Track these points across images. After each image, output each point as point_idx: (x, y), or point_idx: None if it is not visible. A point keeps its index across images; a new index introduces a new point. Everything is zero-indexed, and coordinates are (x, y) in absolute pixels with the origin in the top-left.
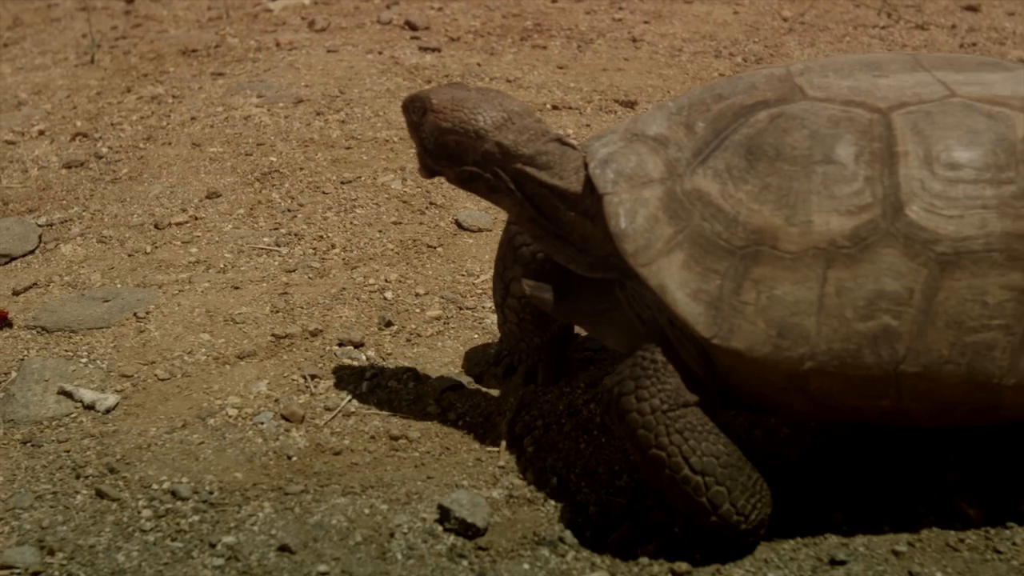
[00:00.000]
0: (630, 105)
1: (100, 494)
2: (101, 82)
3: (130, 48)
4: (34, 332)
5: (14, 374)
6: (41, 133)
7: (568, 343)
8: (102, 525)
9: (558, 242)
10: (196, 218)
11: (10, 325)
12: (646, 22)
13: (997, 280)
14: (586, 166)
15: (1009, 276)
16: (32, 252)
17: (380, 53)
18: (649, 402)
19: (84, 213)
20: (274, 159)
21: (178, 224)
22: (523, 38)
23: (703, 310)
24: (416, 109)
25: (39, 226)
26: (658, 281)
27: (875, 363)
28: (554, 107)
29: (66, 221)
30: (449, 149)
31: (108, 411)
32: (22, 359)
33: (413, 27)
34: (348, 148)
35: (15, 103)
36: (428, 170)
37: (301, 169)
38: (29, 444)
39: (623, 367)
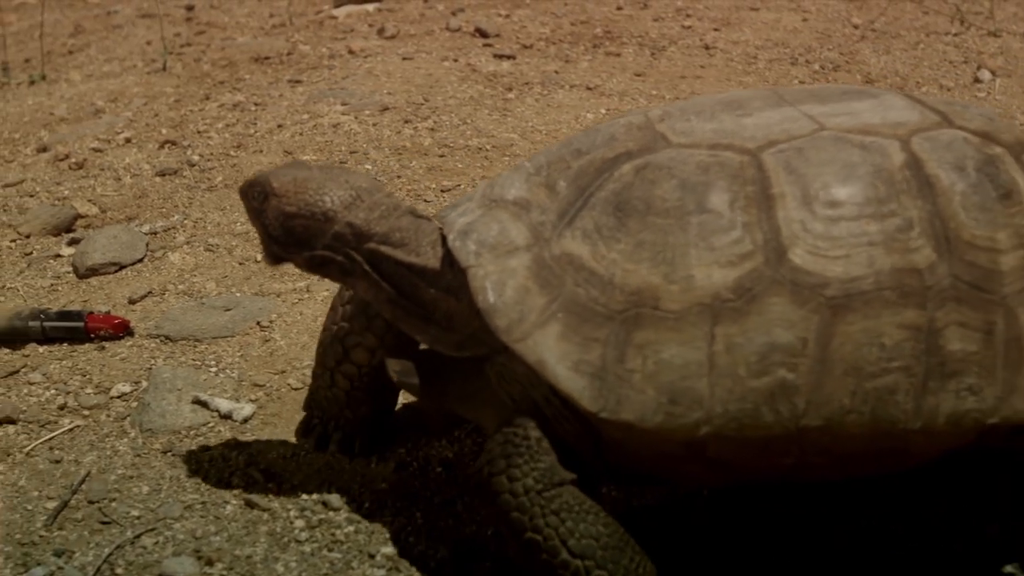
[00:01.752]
0: None
1: (250, 504)
2: (177, 89)
3: (200, 55)
4: (158, 341)
5: (145, 383)
6: (128, 141)
7: (391, 413)
8: (256, 535)
9: (420, 322)
10: None
11: (132, 334)
12: (716, 29)
13: (892, 320)
14: (444, 239)
15: (903, 314)
16: (141, 260)
17: (456, 60)
18: (522, 482)
19: (186, 221)
20: (370, 167)
21: None
22: (595, 45)
23: (587, 383)
24: (256, 195)
25: (144, 234)
26: (536, 356)
27: (775, 420)
28: None
29: (169, 229)
30: (297, 234)
31: (245, 420)
32: (150, 368)
33: (484, 34)
34: (442, 156)
35: (93, 111)
36: (274, 258)
37: (399, 177)
38: (170, 454)
39: (493, 445)
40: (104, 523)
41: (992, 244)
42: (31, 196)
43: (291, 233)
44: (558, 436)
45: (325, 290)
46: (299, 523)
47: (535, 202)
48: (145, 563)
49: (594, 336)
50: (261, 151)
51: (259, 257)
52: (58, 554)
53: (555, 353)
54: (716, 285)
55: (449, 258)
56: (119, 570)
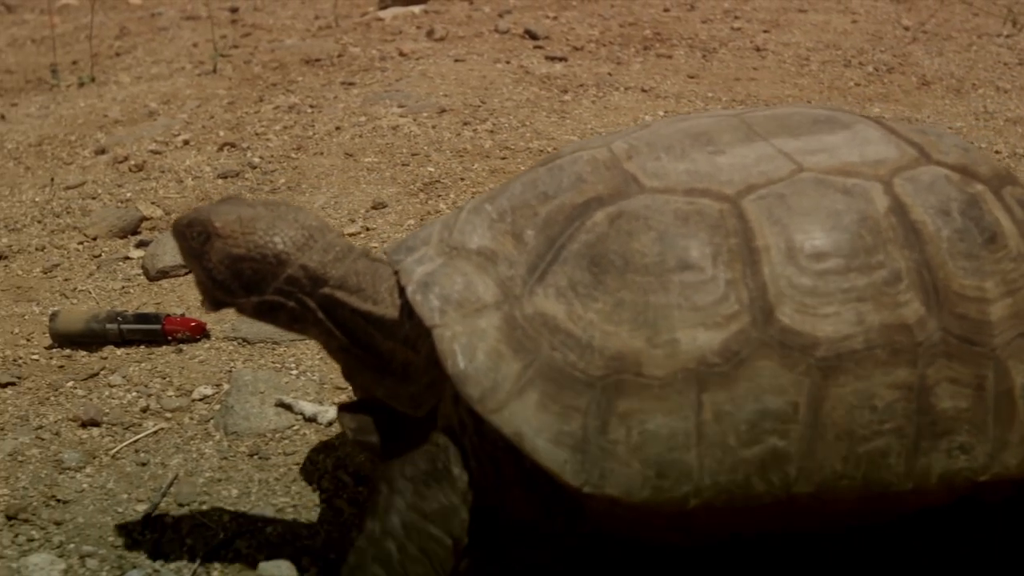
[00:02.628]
0: None
1: (342, 507)
2: (230, 91)
3: (249, 57)
4: (235, 343)
5: (226, 386)
6: (186, 143)
7: None
8: (351, 539)
9: (375, 374)
10: (368, 228)
11: (208, 336)
12: (766, 31)
13: (883, 380)
14: (402, 289)
15: (895, 373)
16: None
17: (508, 63)
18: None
19: None
20: (432, 169)
21: (351, 235)
22: (645, 47)
23: (568, 455)
24: (196, 235)
25: None
26: (513, 428)
27: (766, 490)
28: None
29: None
30: (245, 278)
31: (330, 424)
32: (230, 371)
33: (533, 36)
34: (503, 158)
35: (146, 112)
36: (215, 303)
37: (462, 179)
38: (257, 456)
39: (416, 457)
40: (196, 526)
41: (981, 294)
42: (93, 198)
43: (238, 277)
44: (532, 507)
45: None
46: None
47: (501, 253)
48: (241, 566)
49: (574, 405)
50: (321, 153)
51: None
52: (153, 557)
53: (533, 424)
54: (702, 349)
55: (407, 308)
56: (215, 573)
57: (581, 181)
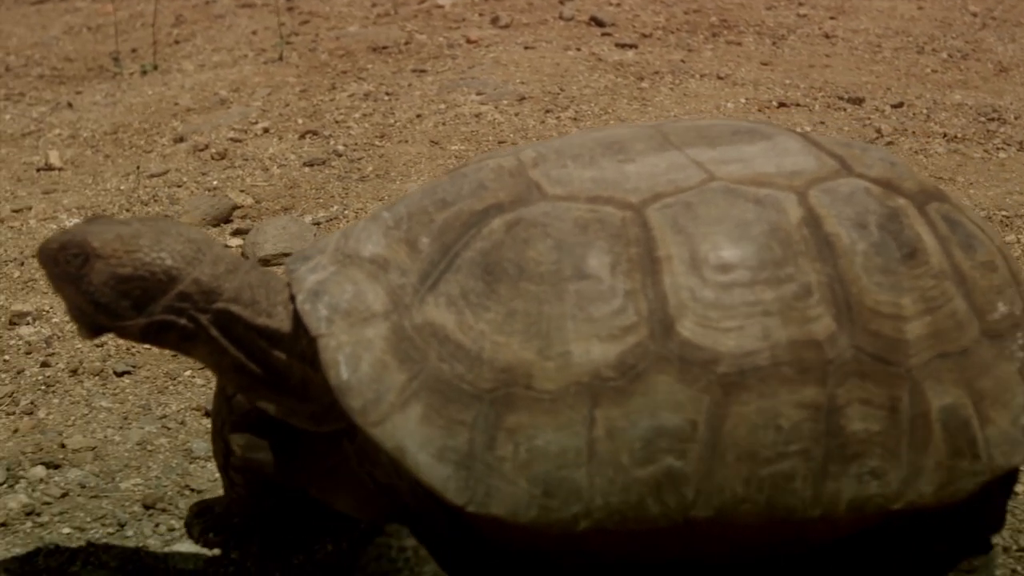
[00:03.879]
0: (858, 102)
1: None
2: (300, 79)
3: (314, 45)
4: None
5: None
6: (266, 131)
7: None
8: None
9: (272, 392)
10: None
11: None
12: (833, 18)
13: (789, 398)
14: (294, 298)
15: (802, 392)
16: None
17: (579, 50)
18: None
19: (346, 211)
20: None
21: None
22: (714, 34)
23: (452, 472)
24: (71, 258)
25: (310, 224)
26: (395, 443)
27: (661, 513)
28: (781, 104)
29: (332, 220)
30: (134, 299)
31: None
32: None
33: (600, 23)
34: None
35: (217, 100)
36: (95, 329)
37: None
38: None
39: (367, 560)
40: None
41: (897, 311)
42: (179, 187)
43: (125, 298)
44: (434, 530)
45: None
46: None
47: (394, 261)
48: None
49: (460, 419)
50: (406, 141)
51: None
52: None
53: (416, 439)
54: (596, 362)
55: (301, 321)
56: None
57: (482, 188)
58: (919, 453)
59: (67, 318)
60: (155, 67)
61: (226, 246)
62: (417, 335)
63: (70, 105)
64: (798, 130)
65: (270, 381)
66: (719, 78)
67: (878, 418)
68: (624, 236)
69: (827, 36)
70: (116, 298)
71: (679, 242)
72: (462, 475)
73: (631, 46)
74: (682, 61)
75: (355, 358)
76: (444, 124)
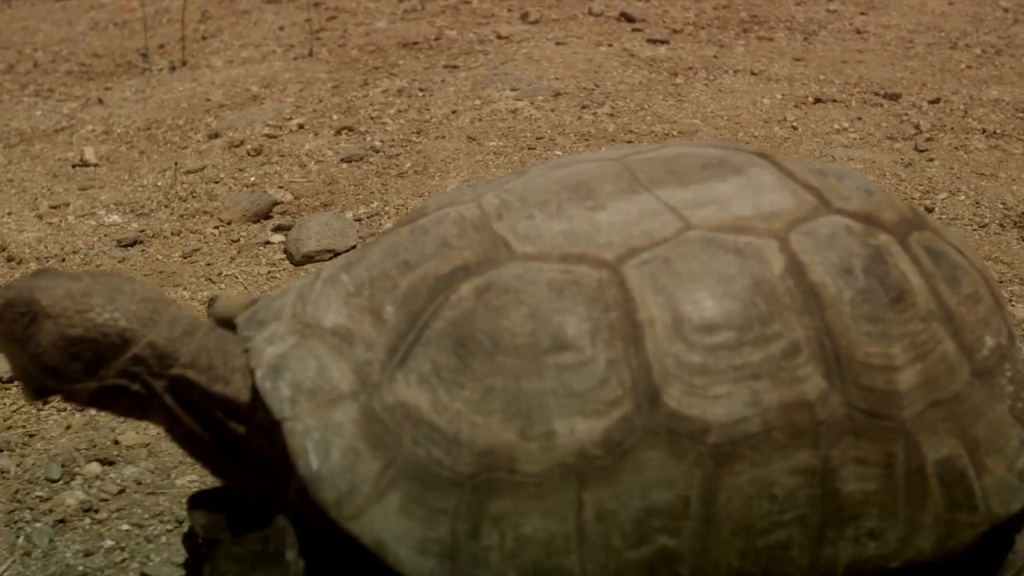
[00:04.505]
0: (894, 98)
1: None
2: (331, 75)
3: (343, 41)
4: None
5: None
6: (301, 127)
7: None
8: None
9: (228, 465)
10: None
11: None
12: (863, 13)
13: (783, 465)
14: (252, 371)
15: (795, 458)
16: (354, 247)
17: (610, 46)
18: None
19: (387, 207)
20: (559, 153)
21: None
22: (744, 30)
23: (436, 565)
24: (18, 317)
25: (352, 220)
26: (374, 537)
27: None
28: (817, 100)
29: (372, 216)
30: (84, 362)
31: None
32: None
33: (630, 19)
34: (629, 142)
35: (249, 96)
36: (41, 392)
37: None
38: None
39: None
40: None
41: (888, 361)
42: (216, 183)
43: (75, 360)
44: None
45: None
46: None
47: (358, 333)
48: None
49: (441, 507)
50: (443, 137)
51: None
52: None
53: (396, 532)
54: (581, 440)
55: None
56: None
57: (446, 246)
58: (916, 509)
59: None
60: (184, 63)
61: (267, 243)
62: (389, 417)
63: (100, 101)
64: (767, 158)
65: (225, 452)
66: (753, 74)
67: (874, 477)
68: (602, 299)
69: (858, 32)
70: (65, 360)
71: (660, 303)
72: (446, 567)
73: (662, 42)
74: (714, 57)
75: (325, 445)
76: (480, 120)
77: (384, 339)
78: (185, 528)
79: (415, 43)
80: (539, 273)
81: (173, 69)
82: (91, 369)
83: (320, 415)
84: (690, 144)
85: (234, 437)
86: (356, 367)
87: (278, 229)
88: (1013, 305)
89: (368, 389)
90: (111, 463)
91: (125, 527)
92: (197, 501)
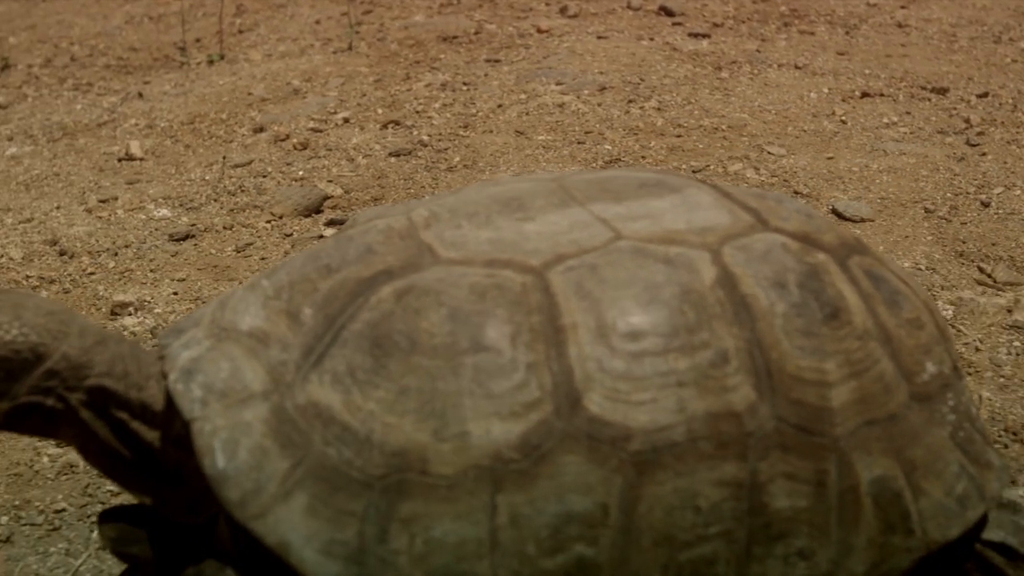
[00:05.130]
0: (942, 92)
1: None
2: (372, 69)
3: (382, 34)
4: None
5: None
6: (346, 121)
7: None
8: None
9: (146, 478)
10: None
11: None
12: (903, 7)
13: (708, 476)
14: (166, 375)
15: (721, 469)
16: None
17: (652, 40)
18: None
19: None
20: (609, 147)
21: None
22: (785, 24)
23: (341, 568)
24: None
25: None
26: (278, 537)
27: None
28: (864, 95)
29: None
30: None
31: None
32: None
33: (669, 13)
34: (679, 136)
35: (291, 90)
36: None
37: (643, 157)
38: None
39: None
40: None
41: (821, 376)
42: (264, 176)
43: None
44: None
45: None
46: None
47: (275, 334)
48: None
49: (349, 509)
50: (491, 131)
51: None
52: None
53: (302, 532)
54: (497, 443)
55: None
56: None
57: (370, 253)
58: (849, 530)
59: (170, 308)
60: (221, 57)
61: (320, 236)
62: (300, 416)
63: (140, 95)
64: (708, 182)
65: (144, 466)
66: (797, 68)
67: (804, 494)
68: (525, 303)
69: (900, 26)
70: None
71: (584, 308)
72: (352, 571)
73: (704, 36)
74: (757, 51)
75: (232, 444)
76: (528, 114)
77: (300, 340)
78: None
79: (454, 37)
80: (462, 277)
81: (211, 63)
82: (3, 389)
83: (230, 414)
84: (630, 168)
85: (153, 450)
86: (270, 367)
87: (330, 223)
88: None
89: (281, 389)
90: None
91: None
92: (110, 515)
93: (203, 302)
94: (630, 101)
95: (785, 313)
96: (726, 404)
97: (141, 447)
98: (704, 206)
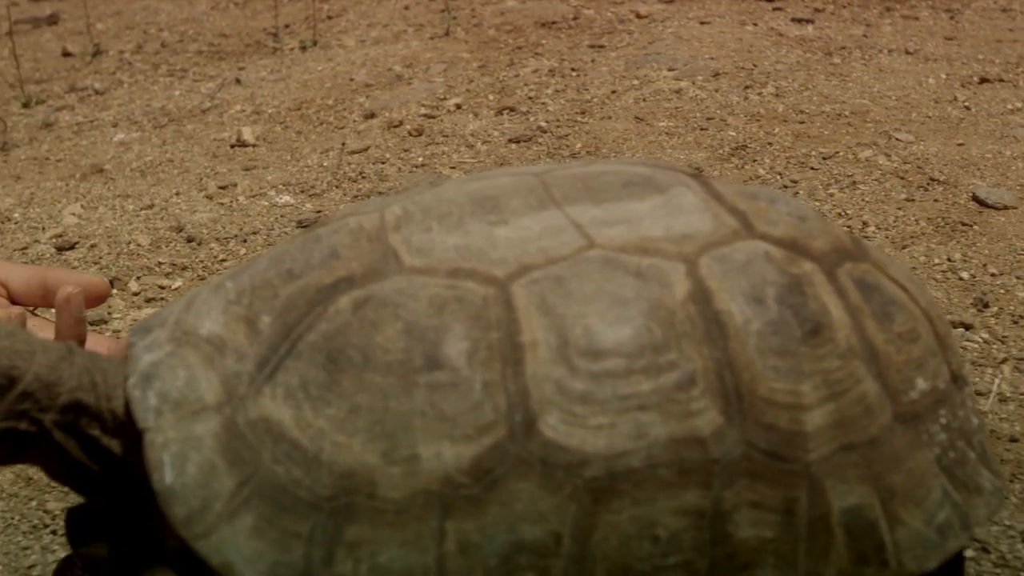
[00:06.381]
0: None
1: None
2: (473, 55)
3: (479, 20)
4: None
5: None
6: (458, 107)
7: None
8: None
9: (112, 489)
10: None
11: None
12: None
13: (668, 504)
14: (127, 379)
15: (683, 497)
16: None
17: (755, 25)
18: None
19: None
20: (733, 134)
21: None
22: (888, 8)
23: None
24: None
25: None
26: (221, 558)
27: None
28: (983, 80)
29: None
30: None
31: None
32: None
33: None
34: (802, 123)
35: (393, 76)
36: None
37: (770, 144)
38: None
39: None
40: None
41: (795, 399)
42: (382, 163)
43: None
44: None
45: None
46: None
47: (231, 342)
48: None
49: (296, 531)
50: (609, 117)
51: None
52: None
53: (245, 554)
54: (448, 467)
55: None
56: None
57: (335, 257)
58: (818, 561)
59: None
60: (314, 42)
61: None
62: (251, 432)
63: (238, 81)
64: (697, 178)
65: (110, 478)
66: (907, 53)
67: (771, 523)
68: (484, 318)
69: (1004, 10)
70: None
71: (545, 325)
72: None
73: (807, 21)
74: (864, 36)
75: (182, 459)
76: (644, 100)
77: (256, 350)
78: None
79: (553, 22)
80: (422, 288)
81: (304, 49)
82: None
83: (181, 427)
84: (621, 162)
85: (119, 459)
86: (224, 378)
87: None
88: None
89: (233, 402)
90: None
91: None
92: (76, 513)
93: None
94: (746, 87)
95: (760, 331)
96: (690, 429)
97: (111, 459)
98: (686, 210)
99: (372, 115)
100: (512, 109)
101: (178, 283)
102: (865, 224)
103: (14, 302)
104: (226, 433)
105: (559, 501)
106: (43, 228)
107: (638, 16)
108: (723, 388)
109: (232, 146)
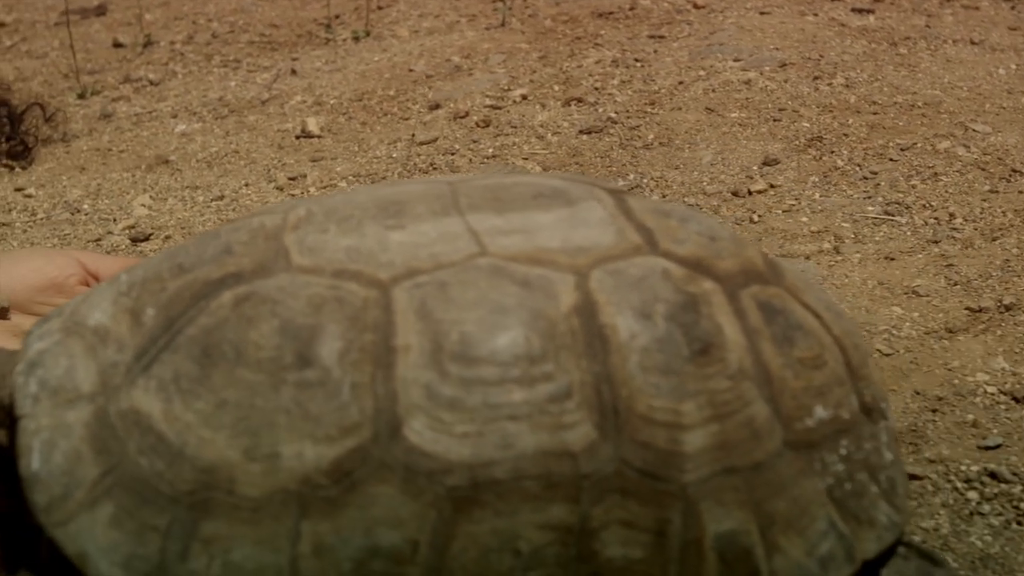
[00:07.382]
0: None
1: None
2: (532, 46)
3: (534, 11)
4: None
5: None
6: (524, 98)
7: None
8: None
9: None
10: (773, 186)
11: None
12: None
13: (532, 518)
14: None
15: (548, 511)
16: None
17: (815, 15)
18: None
19: (644, 180)
20: (807, 124)
21: (759, 192)
22: None
23: None
24: None
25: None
26: (77, 547)
27: None
28: None
29: (634, 188)
30: None
31: None
32: None
33: None
34: (875, 114)
35: (452, 66)
36: None
37: (845, 135)
38: None
39: None
40: None
41: (675, 418)
42: (452, 154)
43: None
44: None
45: (856, 253)
46: (972, 495)
47: (114, 334)
48: None
49: (153, 523)
50: (679, 108)
51: (754, 218)
52: None
53: (101, 544)
54: (308, 467)
55: None
56: None
57: (227, 253)
58: None
59: None
60: (367, 33)
61: None
62: (120, 422)
63: (294, 72)
64: (614, 195)
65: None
66: (973, 43)
67: (641, 543)
68: (361, 320)
69: None
70: None
71: (421, 330)
72: None
73: (867, 11)
74: (927, 26)
75: (50, 446)
76: (714, 91)
77: (136, 342)
78: None
79: (610, 13)
80: (304, 287)
81: (357, 39)
82: None
83: (55, 415)
84: (541, 175)
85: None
86: (102, 368)
87: None
88: None
89: (108, 392)
90: None
91: None
92: None
93: None
94: (816, 78)
95: (646, 347)
96: (561, 442)
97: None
98: (590, 223)
99: (437, 106)
100: (579, 100)
101: None
102: (952, 216)
103: None
104: (96, 422)
105: (419, 508)
106: (114, 219)
107: (695, 6)
108: (600, 403)
109: (297, 137)
